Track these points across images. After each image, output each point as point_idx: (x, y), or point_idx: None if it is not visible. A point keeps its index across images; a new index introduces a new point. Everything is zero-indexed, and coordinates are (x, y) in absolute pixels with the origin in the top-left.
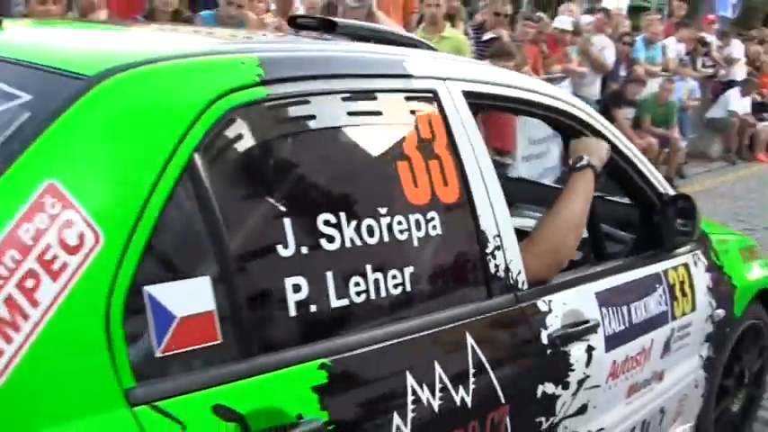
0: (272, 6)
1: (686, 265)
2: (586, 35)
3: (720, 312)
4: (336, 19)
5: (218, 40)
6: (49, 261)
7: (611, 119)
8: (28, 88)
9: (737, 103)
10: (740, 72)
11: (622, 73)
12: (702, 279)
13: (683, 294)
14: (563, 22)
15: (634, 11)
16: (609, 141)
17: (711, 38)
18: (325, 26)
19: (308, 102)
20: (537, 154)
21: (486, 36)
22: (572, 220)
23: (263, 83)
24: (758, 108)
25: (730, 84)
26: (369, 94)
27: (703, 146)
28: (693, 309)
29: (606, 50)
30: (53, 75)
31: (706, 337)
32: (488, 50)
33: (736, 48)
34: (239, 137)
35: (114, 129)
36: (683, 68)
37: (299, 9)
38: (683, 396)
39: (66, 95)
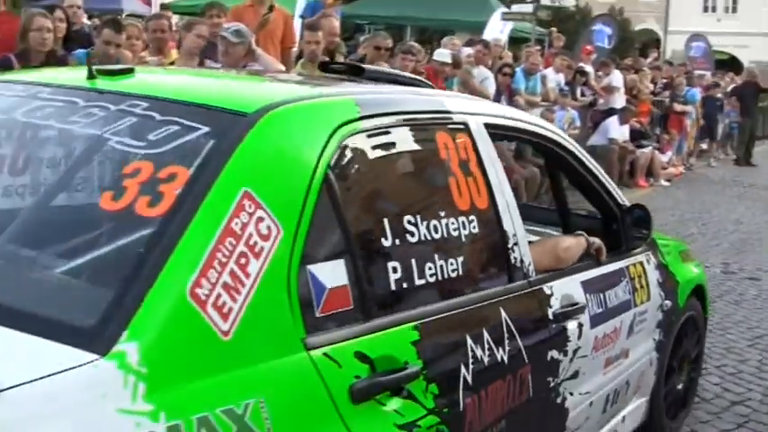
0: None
1: (642, 263)
2: (467, 67)
3: (668, 303)
4: (364, 65)
5: (319, 85)
6: (252, 246)
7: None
8: (203, 122)
9: (617, 130)
10: (619, 100)
11: (504, 104)
12: (654, 275)
13: (641, 286)
14: (442, 54)
15: (514, 42)
16: (582, 163)
17: (589, 68)
18: (353, 71)
19: (389, 132)
20: None
21: None
22: (571, 250)
23: (360, 118)
24: (637, 135)
25: (610, 112)
26: (424, 126)
27: None
28: (648, 299)
29: (487, 81)
30: (221, 112)
31: (657, 323)
32: None
33: (617, 77)
34: (351, 158)
35: (277, 151)
36: (563, 98)
37: (173, 49)
38: (641, 372)
39: (238, 128)
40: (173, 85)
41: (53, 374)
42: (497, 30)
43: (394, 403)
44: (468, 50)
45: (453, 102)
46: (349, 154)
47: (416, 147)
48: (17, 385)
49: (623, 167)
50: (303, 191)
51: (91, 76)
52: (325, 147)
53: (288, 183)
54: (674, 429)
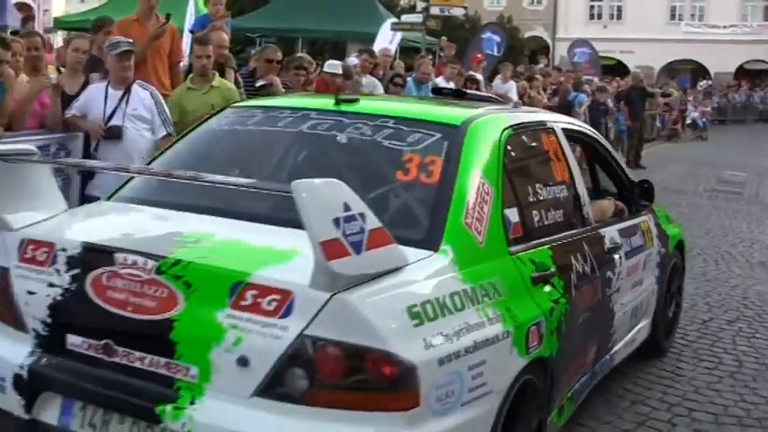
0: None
1: (646, 221)
2: (357, 77)
3: (663, 250)
4: (465, 90)
5: (479, 107)
6: (484, 198)
7: None
8: (435, 131)
9: None
10: None
11: None
12: (654, 230)
13: (648, 237)
14: (333, 66)
15: (406, 52)
16: (607, 151)
17: (480, 75)
18: (457, 94)
19: (522, 134)
20: None
21: (259, 83)
22: (608, 210)
23: (509, 126)
24: None
25: None
26: (535, 130)
27: None
28: (653, 245)
29: (376, 90)
30: (441, 125)
31: (657, 263)
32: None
33: (513, 85)
34: (510, 149)
35: (482, 145)
36: None
37: (52, 66)
38: (648, 297)
39: (457, 133)
40: (399, 109)
41: (419, 260)
42: (387, 40)
43: (547, 287)
44: (354, 61)
45: (543, 114)
46: (509, 147)
47: (535, 143)
48: (406, 265)
49: None
50: (496, 168)
51: (337, 103)
52: (499, 143)
53: (490, 163)
54: (666, 345)
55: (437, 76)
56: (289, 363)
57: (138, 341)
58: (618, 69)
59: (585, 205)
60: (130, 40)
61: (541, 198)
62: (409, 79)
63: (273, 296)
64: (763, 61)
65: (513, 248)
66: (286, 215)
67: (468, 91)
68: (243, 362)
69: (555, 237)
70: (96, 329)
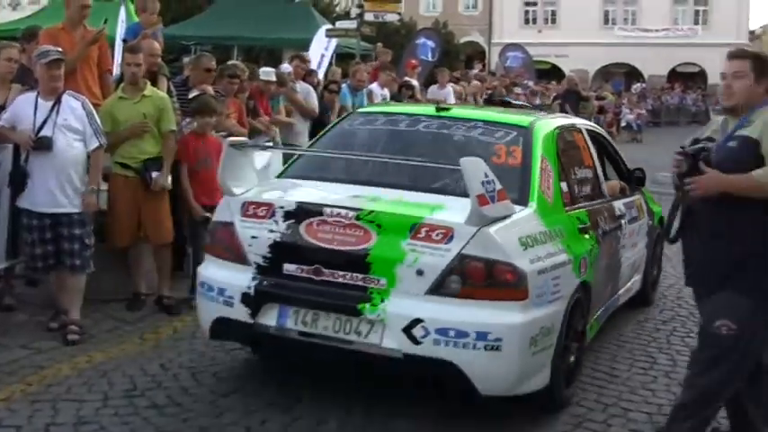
0: None
1: (639, 199)
2: (291, 84)
3: (650, 222)
4: (510, 101)
5: (534, 113)
6: (549, 173)
7: None
8: (512, 130)
9: None
10: None
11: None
12: (644, 206)
13: (641, 211)
14: (267, 73)
15: (342, 58)
16: (612, 145)
17: (415, 81)
18: (504, 104)
19: (565, 133)
20: None
21: (193, 93)
22: (616, 188)
23: (557, 127)
24: None
25: None
26: (570, 130)
27: None
28: (644, 217)
29: (309, 96)
30: (515, 126)
31: (646, 232)
32: (191, 106)
33: (450, 90)
34: (559, 142)
35: (543, 138)
36: None
37: None
38: (641, 257)
39: (528, 131)
40: (481, 115)
41: (519, 211)
42: (322, 47)
43: (587, 236)
44: (287, 67)
45: (573, 119)
46: (558, 141)
47: (572, 138)
48: (514, 213)
49: None
50: (554, 155)
51: (437, 110)
52: (553, 137)
53: (549, 151)
54: (652, 297)
55: (372, 82)
56: (449, 272)
57: (341, 265)
58: (553, 73)
59: (603, 183)
60: (60, 49)
61: (578, 176)
62: (344, 86)
63: (440, 231)
64: (695, 64)
65: (567, 208)
66: (422, 185)
67: (513, 101)
68: (420, 273)
69: (587, 203)
70: (308, 259)
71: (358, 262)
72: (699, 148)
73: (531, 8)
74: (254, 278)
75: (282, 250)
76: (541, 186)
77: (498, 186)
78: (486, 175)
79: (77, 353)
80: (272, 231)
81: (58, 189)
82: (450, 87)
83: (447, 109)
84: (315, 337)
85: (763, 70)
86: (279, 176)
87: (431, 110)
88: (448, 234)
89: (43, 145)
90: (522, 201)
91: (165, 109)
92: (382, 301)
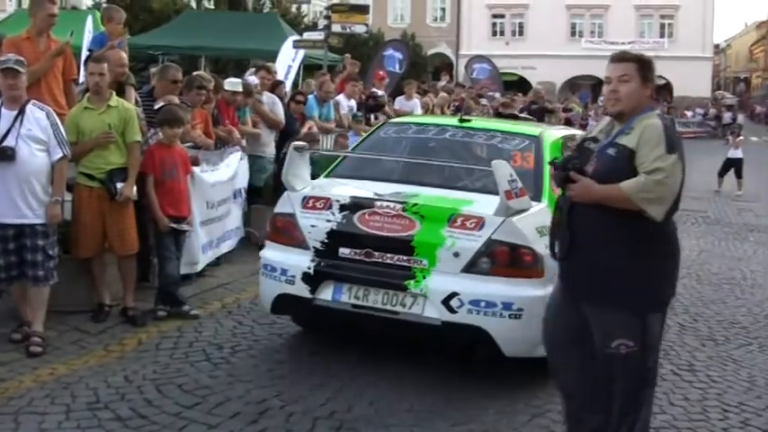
0: None
1: None
2: (257, 96)
3: None
4: (518, 114)
5: (543, 125)
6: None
7: None
8: (526, 139)
9: None
10: None
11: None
12: None
13: None
14: (233, 84)
15: (309, 69)
16: None
17: (382, 92)
18: (512, 117)
19: (569, 142)
20: (218, 216)
21: (159, 104)
22: None
23: (562, 137)
24: None
25: None
26: (570, 139)
27: None
28: None
29: (276, 107)
30: (528, 136)
31: None
32: (157, 117)
33: (417, 102)
34: (562, 150)
35: (551, 144)
36: (357, 123)
37: None
38: None
39: (538, 139)
40: (498, 126)
41: (535, 206)
42: (290, 58)
43: None
44: (253, 79)
45: (572, 130)
46: (563, 148)
47: (570, 145)
48: (531, 207)
49: None
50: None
51: (461, 121)
52: (558, 145)
53: (555, 151)
54: None
55: (339, 93)
56: (481, 254)
57: (389, 249)
58: (520, 85)
59: None
60: (21, 58)
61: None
62: (310, 97)
63: (473, 220)
64: (660, 76)
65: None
66: (452, 184)
67: (520, 114)
68: (456, 254)
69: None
70: (360, 243)
71: (404, 246)
72: (566, 159)
73: (498, 20)
74: (312, 260)
75: (338, 237)
76: (550, 185)
77: (521, 185)
78: (512, 175)
79: (40, 365)
80: (328, 221)
81: (21, 200)
82: (416, 99)
83: (468, 120)
84: (366, 308)
85: (648, 73)
86: (326, 176)
87: (454, 121)
88: (480, 223)
89: (6, 155)
90: (537, 197)
91: (131, 119)
92: (424, 278)
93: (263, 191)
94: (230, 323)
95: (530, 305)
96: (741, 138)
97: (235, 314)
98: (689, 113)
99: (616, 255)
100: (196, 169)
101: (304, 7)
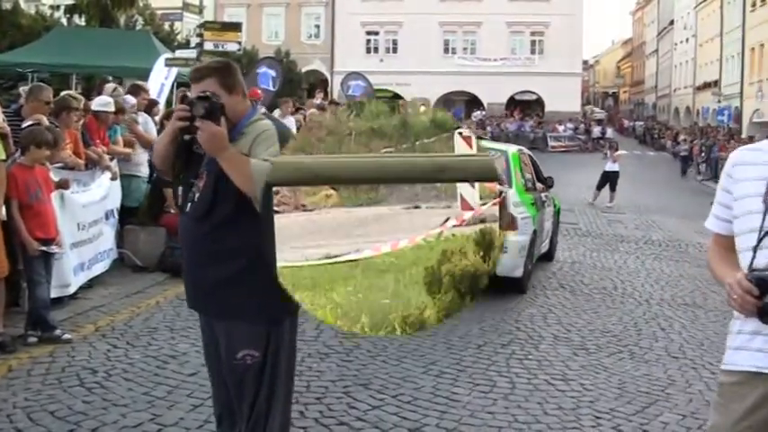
0: None
1: (549, 194)
2: (132, 115)
3: (553, 210)
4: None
5: (500, 145)
6: (519, 174)
7: (162, 197)
8: (500, 152)
9: None
10: None
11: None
12: (552, 198)
13: (550, 201)
14: (104, 103)
15: (181, 87)
16: (536, 163)
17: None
18: (479, 138)
19: (522, 155)
20: (89, 238)
21: (26, 123)
22: None
23: (518, 150)
24: None
25: None
26: (524, 153)
27: None
28: (551, 206)
29: (149, 126)
30: (500, 150)
31: (552, 215)
32: (22, 139)
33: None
34: (521, 159)
35: (514, 157)
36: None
37: None
38: (549, 230)
39: (507, 154)
40: (488, 144)
41: (509, 190)
42: (162, 75)
43: (535, 207)
44: (132, 100)
45: (523, 148)
46: (521, 158)
47: (524, 157)
48: (509, 190)
49: None
50: (519, 165)
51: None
52: (518, 157)
53: (516, 163)
54: (553, 256)
55: None
56: None
57: None
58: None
59: (536, 182)
60: None
61: (527, 176)
62: None
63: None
64: (532, 92)
65: (526, 192)
66: None
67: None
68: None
69: (533, 191)
70: None
71: None
72: (196, 99)
73: (372, 37)
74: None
75: None
76: (516, 179)
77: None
78: (500, 169)
79: None
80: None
81: None
82: (291, 117)
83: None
84: None
85: (229, 82)
86: None
87: None
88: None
89: None
90: (510, 185)
91: None
92: None
93: (138, 211)
94: (104, 346)
95: (512, 245)
96: (621, 152)
97: (109, 337)
98: (560, 128)
99: (230, 264)
100: (66, 191)
101: (177, 24)
